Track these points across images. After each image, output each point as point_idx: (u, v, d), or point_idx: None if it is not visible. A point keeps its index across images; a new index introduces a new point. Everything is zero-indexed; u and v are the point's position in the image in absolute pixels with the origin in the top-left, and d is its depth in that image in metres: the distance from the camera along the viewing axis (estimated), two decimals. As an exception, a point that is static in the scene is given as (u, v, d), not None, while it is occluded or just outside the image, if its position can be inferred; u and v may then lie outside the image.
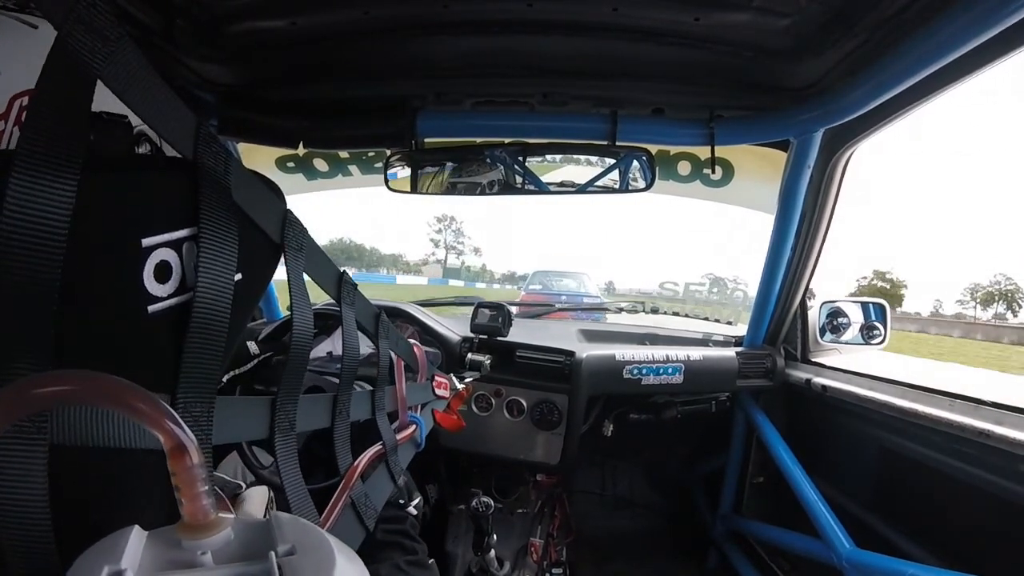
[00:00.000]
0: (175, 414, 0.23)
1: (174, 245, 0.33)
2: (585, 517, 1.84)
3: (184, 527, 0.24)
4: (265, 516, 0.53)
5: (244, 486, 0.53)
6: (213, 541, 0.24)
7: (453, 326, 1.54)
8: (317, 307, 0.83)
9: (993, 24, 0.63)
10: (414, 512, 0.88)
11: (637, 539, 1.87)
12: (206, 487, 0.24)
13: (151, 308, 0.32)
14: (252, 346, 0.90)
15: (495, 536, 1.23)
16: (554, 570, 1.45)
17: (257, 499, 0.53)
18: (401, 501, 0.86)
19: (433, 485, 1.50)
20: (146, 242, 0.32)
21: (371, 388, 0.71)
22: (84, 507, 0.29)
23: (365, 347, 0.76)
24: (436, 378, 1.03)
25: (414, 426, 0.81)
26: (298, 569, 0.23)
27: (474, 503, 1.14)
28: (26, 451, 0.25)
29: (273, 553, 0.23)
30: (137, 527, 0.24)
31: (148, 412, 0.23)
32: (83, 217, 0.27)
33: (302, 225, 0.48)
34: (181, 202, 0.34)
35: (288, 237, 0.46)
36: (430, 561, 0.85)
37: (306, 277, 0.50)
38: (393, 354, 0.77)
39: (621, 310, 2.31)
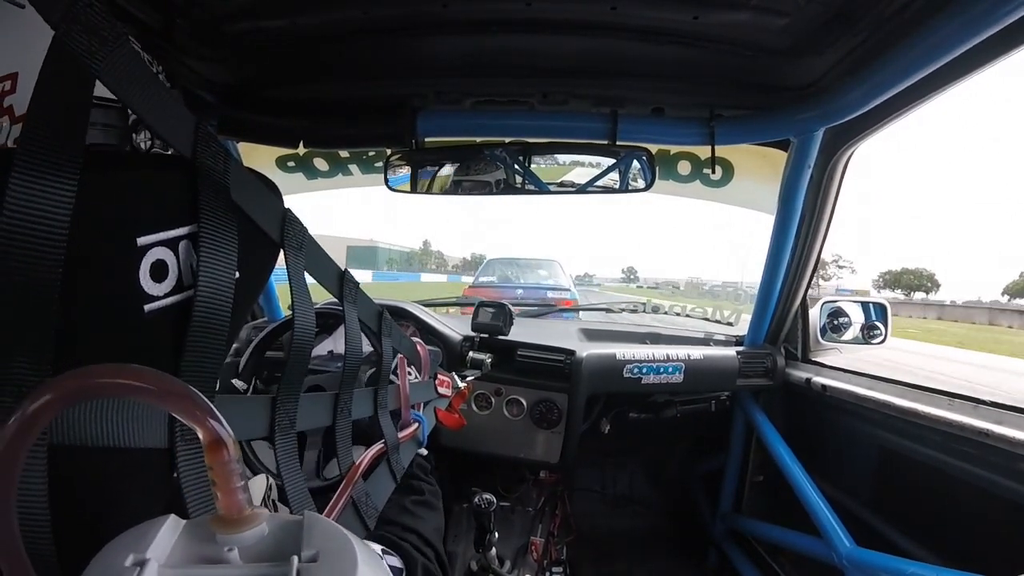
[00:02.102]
0: (215, 409, 0.23)
1: (170, 244, 0.33)
2: (585, 516, 1.84)
3: (219, 520, 0.24)
4: (262, 504, 0.53)
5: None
6: (246, 536, 0.24)
7: (454, 325, 1.54)
8: (318, 306, 0.83)
9: (992, 23, 0.63)
10: (423, 452, 0.86)
11: (637, 538, 1.87)
12: (242, 482, 0.24)
13: (148, 307, 0.32)
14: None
15: (496, 534, 1.23)
16: (554, 569, 1.45)
17: (256, 490, 0.53)
18: None
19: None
20: (141, 241, 0.31)
21: (373, 386, 0.71)
22: (82, 507, 0.29)
23: (365, 346, 0.76)
24: (439, 376, 1.04)
25: (416, 424, 0.81)
26: None
27: (476, 499, 1.14)
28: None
29: (296, 558, 0.23)
30: (173, 516, 0.24)
31: (188, 406, 0.22)
32: (79, 216, 0.27)
33: (302, 224, 0.48)
34: (177, 201, 0.34)
35: (288, 236, 0.46)
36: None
37: (308, 277, 0.50)
38: (396, 352, 0.77)
39: (622, 310, 2.32)
